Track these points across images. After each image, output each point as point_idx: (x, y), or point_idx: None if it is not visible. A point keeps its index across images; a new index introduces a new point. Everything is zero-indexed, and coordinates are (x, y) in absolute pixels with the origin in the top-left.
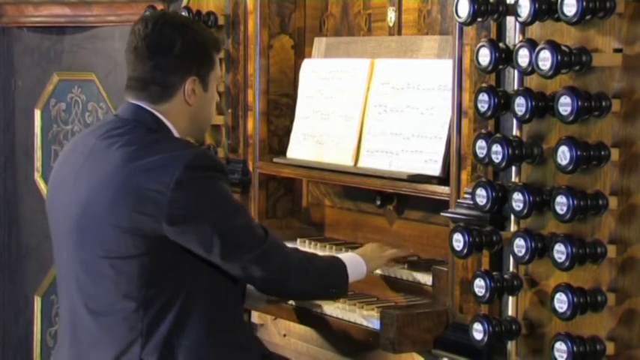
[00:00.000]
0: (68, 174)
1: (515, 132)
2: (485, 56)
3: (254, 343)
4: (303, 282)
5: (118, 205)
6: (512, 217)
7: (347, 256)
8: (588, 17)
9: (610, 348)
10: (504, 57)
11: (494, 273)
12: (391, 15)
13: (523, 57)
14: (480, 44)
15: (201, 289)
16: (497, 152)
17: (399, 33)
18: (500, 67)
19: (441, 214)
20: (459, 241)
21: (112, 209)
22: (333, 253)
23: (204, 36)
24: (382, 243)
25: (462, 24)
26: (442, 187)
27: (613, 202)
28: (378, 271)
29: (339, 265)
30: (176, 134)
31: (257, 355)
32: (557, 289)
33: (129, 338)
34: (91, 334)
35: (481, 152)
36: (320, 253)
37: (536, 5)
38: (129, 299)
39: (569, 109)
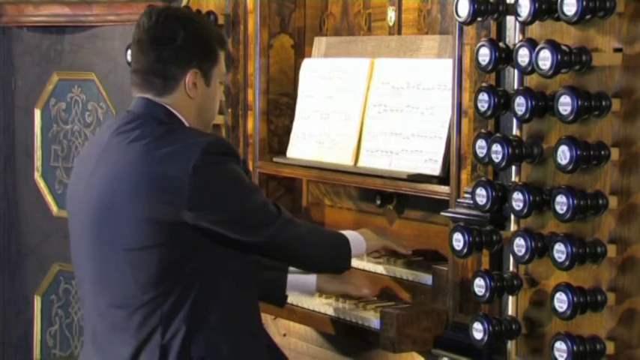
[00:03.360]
0: (84, 172)
1: (515, 132)
2: (485, 56)
3: (263, 332)
4: (312, 250)
5: (138, 198)
6: (512, 216)
7: (347, 232)
8: (588, 17)
9: (610, 347)
10: (504, 56)
11: (494, 272)
12: (391, 14)
13: (523, 56)
14: (480, 44)
15: (219, 276)
16: (497, 152)
17: (399, 32)
18: (500, 66)
19: (441, 213)
20: (458, 240)
21: (132, 202)
22: None
23: (209, 30)
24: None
25: (462, 23)
26: (442, 187)
27: (613, 201)
28: (378, 271)
29: (343, 238)
30: (187, 125)
31: (264, 344)
32: (557, 289)
33: (149, 328)
34: (111, 328)
35: (481, 152)
36: None
37: (536, 5)
38: (147, 290)
39: (569, 108)
